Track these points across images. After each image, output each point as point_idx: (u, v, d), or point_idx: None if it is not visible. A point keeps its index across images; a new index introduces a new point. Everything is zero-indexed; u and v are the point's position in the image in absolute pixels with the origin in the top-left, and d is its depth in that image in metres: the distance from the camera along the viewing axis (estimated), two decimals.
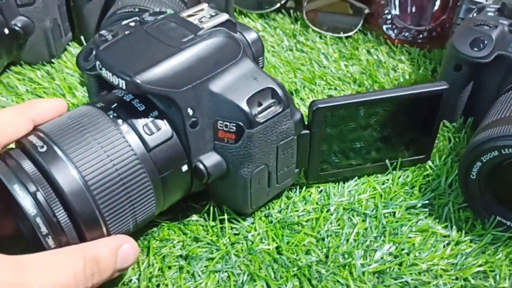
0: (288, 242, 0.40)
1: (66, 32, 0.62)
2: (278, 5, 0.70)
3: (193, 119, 0.35)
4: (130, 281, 0.37)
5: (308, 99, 0.55)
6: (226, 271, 0.38)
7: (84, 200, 0.31)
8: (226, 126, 0.36)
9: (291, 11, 0.71)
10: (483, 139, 0.38)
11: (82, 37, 0.62)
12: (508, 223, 0.40)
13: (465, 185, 0.40)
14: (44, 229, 0.30)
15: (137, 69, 0.33)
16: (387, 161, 0.44)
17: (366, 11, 0.68)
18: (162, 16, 0.38)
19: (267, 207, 0.43)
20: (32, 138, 0.32)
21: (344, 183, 0.44)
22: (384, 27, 0.65)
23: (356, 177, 0.45)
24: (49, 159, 0.31)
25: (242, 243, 0.40)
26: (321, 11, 0.70)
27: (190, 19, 0.37)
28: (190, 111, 0.35)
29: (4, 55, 0.55)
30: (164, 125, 0.35)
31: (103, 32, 0.39)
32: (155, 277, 0.37)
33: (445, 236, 0.41)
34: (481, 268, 0.38)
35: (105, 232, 0.33)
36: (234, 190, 0.39)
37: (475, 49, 0.45)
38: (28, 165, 0.31)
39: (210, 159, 0.37)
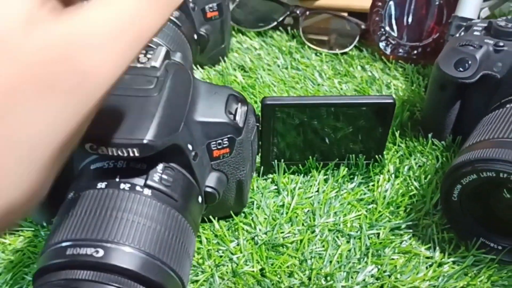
0: (272, 264, 0.41)
1: None
2: (275, 23, 0.71)
3: (193, 153, 0.36)
4: None
5: None
6: None
7: (156, 266, 0.30)
8: (219, 144, 0.38)
9: (289, 28, 0.72)
10: (462, 162, 0.38)
11: None
12: (491, 244, 0.40)
13: (447, 206, 0.40)
14: None
15: (141, 130, 0.31)
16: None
17: (362, 26, 0.68)
18: None
19: (254, 228, 0.44)
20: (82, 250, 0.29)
21: (330, 203, 0.45)
22: (380, 44, 0.65)
23: (342, 198, 0.46)
24: (108, 257, 0.29)
25: (227, 265, 0.41)
26: (318, 28, 0.71)
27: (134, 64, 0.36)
28: (190, 146, 0.35)
29: None
30: (174, 173, 0.35)
31: None
32: None
33: (428, 258, 0.41)
34: None
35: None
36: (231, 196, 0.42)
37: (460, 69, 0.46)
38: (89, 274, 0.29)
39: (213, 180, 0.39)
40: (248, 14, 0.75)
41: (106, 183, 0.32)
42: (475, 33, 0.48)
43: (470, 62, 0.45)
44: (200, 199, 0.37)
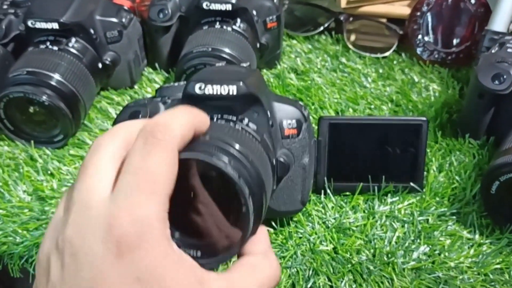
0: (342, 244, 0.50)
1: (143, 60, 0.73)
2: (322, 28, 0.80)
3: (270, 121, 0.44)
4: None
5: None
6: (295, 267, 0.49)
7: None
8: (289, 124, 0.46)
9: (333, 32, 0.80)
10: (501, 163, 0.47)
11: (156, 64, 0.73)
12: None
13: (486, 198, 0.50)
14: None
15: (238, 78, 0.40)
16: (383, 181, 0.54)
17: (400, 32, 0.77)
18: None
19: (324, 214, 0.53)
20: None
21: (386, 195, 0.55)
22: (418, 49, 0.74)
23: (393, 191, 0.55)
24: None
25: (306, 245, 0.51)
26: (360, 33, 0.79)
27: None
28: (269, 113, 0.43)
29: (98, 84, 0.66)
30: (255, 127, 0.41)
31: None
32: None
33: (469, 239, 0.50)
34: (498, 266, 0.48)
35: None
36: (298, 181, 0.48)
37: (496, 82, 0.54)
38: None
39: (284, 154, 0.46)
40: (295, 19, 0.83)
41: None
42: (509, 50, 0.57)
43: (505, 77, 0.54)
44: (274, 162, 0.42)
